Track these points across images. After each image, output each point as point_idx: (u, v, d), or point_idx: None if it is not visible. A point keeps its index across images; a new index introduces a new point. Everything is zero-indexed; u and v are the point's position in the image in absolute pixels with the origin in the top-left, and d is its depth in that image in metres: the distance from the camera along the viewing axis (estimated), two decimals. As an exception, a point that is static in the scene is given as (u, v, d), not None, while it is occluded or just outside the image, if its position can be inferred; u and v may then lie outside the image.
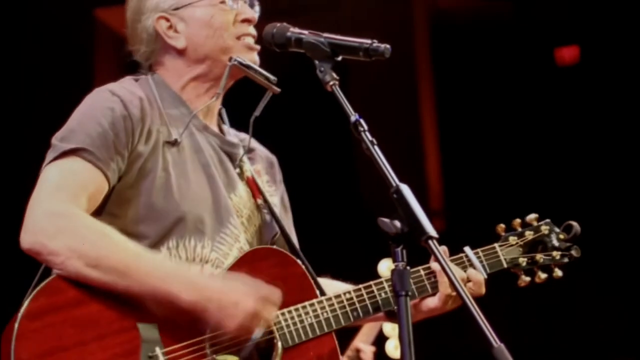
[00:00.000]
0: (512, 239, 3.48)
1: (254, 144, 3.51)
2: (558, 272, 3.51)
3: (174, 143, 3.22)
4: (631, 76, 8.16)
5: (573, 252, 3.53)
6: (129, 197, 3.14)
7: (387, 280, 3.29)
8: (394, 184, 2.73)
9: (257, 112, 3.33)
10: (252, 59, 3.34)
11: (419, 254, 2.90)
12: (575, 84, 8.33)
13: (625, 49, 8.15)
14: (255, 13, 3.39)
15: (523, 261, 3.47)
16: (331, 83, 2.90)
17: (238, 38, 3.33)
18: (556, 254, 3.51)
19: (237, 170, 3.37)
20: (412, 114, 8.51)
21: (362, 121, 2.82)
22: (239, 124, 3.51)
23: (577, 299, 8.01)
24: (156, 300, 3.00)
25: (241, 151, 3.40)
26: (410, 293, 2.68)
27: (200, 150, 3.28)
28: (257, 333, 3.08)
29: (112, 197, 3.13)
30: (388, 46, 2.92)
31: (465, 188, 8.37)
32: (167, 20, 3.32)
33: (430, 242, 2.66)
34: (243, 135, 3.49)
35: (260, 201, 3.39)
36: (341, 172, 8.05)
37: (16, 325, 2.90)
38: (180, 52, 3.33)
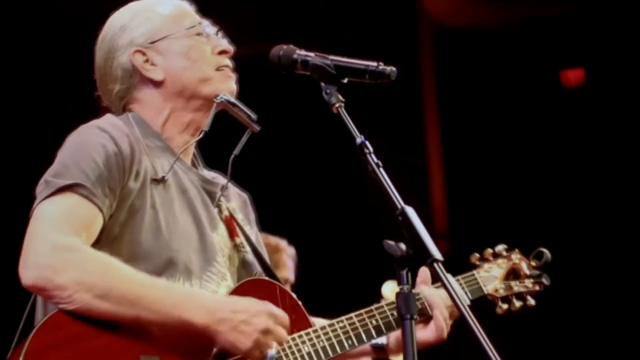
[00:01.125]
0: (487, 267, 3.54)
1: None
2: (531, 301, 3.56)
3: (161, 181, 3.19)
4: (636, 99, 8.16)
5: (544, 280, 3.56)
6: (118, 235, 3.10)
7: (377, 308, 3.31)
8: (399, 207, 2.73)
9: (236, 151, 3.29)
10: (231, 87, 3.32)
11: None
12: (580, 106, 8.33)
13: (630, 72, 8.16)
14: (230, 45, 3.38)
15: (500, 288, 3.52)
16: (337, 105, 2.90)
17: (218, 69, 3.32)
18: (528, 282, 3.56)
19: (216, 209, 3.34)
20: (416, 136, 8.51)
21: (367, 143, 2.82)
22: (212, 159, 3.49)
23: (583, 322, 8.00)
24: (166, 328, 2.99)
25: (219, 190, 3.37)
26: (416, 317, 2.68)
27: (185, 189, 3.25)
28: (272, 353, 3.07)
29: (102, 234, 3.09)
30: (394, 69, 2.92)
31: (470, 210, 8.36)
32: (144, 54, 3.30)
33: (435, 265, 2.66)
34: (214, 174, 3.46)
35: (238, 240, 3.36)
36: (348, 194, 8.04)
37: None
38: (158, 85, 3.30)
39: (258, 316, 3.03)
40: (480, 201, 8.31)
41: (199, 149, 3.43)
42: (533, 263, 3.57)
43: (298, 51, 3.07)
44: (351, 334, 3.24)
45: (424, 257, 2.66)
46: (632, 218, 8.11)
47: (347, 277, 7.42)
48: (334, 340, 3.21)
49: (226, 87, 3.31)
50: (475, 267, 3.54)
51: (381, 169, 2.79)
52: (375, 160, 2.80)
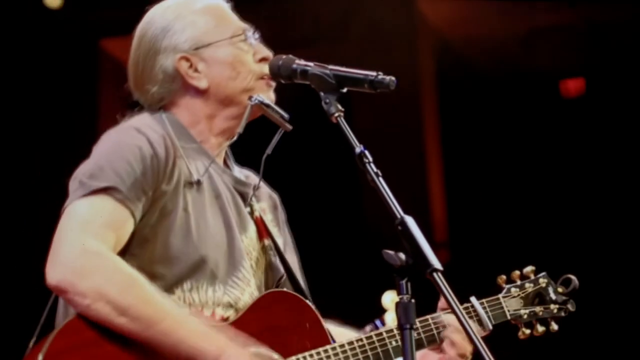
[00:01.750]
0: (514, 291, 3.49)
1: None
2: (554, 326, 3.52)
3: (195, 184, 3.19)
4: (636, 109, 8.16)
5: (569, 306, 3.54)
6: (149, 236, 3.10)
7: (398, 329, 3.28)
8: (398, 216, 2.72)
9: (269, 150, 3.29)
10: (271, 96, 3.31)
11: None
12: (580, 116, 8.33)
13: (630, 82, 8.16)
14: (269, 51, 3.36)
15: (524, 313, 3.47)
16: (336, 115, 2.89)
17: (261, 78, 3.30)
18: (553, 308, 3.52)
19: (248, 209, 3.34)
20: (416, 145, 8.52)
21: (367, 153, 2.82)
22: (241, 158, 3.49)
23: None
24: (177, 355, 2.99)
25: (251, 190, 3.37)
26: (415, 327, 2.67)
27: (218, 192, 3.24)
28: None
29: (133, 236, 3.09)
30: (393, 78, 2.92)
31: (469, 220, 8.35)
32: (188, 60, 3.26)
33: (435, 274, 2.65)
34: (246, 172, 3.46)
35: (267, 242, 3.36)
36: (347, 202, 8.04)
37: None
38: (201, 93, 3.28)
39: None
40: (480, 211, 8.30)
41: (230, 148, 3.43)
42: (560, 289, 3.53)
43: (297, 61, 3.07)
44: (369, 353, 3.21)
45: (424, 267, 2.65)
46: (633, 227, 8.10)
47: (346, 287, 7.41)
48: (351, 359, 3.18)
49: (266, 97, 3.30)
50: (501, 289, 3.48)
51: (380, 179, 2.78)
52: (375, 169, 2.79)
